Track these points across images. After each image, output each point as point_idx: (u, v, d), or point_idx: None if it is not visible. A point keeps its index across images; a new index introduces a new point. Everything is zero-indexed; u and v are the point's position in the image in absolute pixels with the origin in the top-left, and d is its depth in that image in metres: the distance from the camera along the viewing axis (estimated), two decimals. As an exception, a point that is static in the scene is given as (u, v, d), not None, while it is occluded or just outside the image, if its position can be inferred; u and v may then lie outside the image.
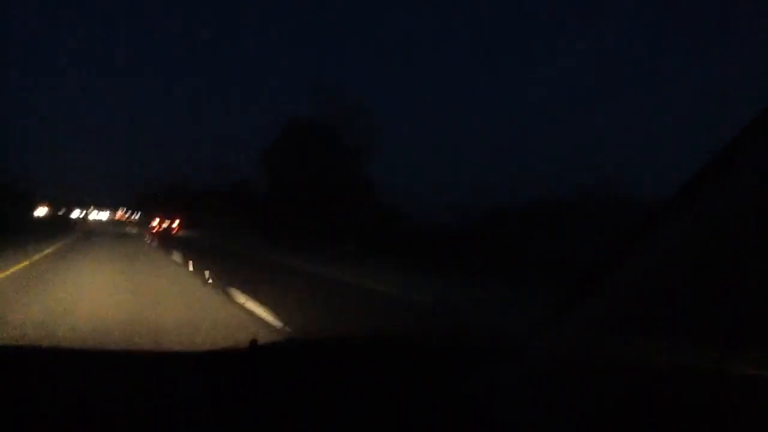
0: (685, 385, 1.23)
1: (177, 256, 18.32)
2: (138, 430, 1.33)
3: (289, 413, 1.44)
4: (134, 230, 50.05)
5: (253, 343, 1.82)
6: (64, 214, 66.57)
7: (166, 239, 32.89)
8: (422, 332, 5.58)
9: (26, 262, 12.98)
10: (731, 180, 1.08)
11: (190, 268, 14.52)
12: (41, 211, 55.96)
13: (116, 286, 9.89)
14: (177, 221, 49.89)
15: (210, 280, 11.48)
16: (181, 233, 46.23)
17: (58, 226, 38.54)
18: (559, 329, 1.37)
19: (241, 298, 9.10)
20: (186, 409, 1.43)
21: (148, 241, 30.04)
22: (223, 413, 1.40)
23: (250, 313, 7.93)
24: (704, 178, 1.11)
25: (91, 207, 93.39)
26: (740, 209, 1.10)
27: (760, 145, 1.04)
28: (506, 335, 1.75)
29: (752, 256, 1.15)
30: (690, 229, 1.13)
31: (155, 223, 52.83)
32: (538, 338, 1.41)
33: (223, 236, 36.88)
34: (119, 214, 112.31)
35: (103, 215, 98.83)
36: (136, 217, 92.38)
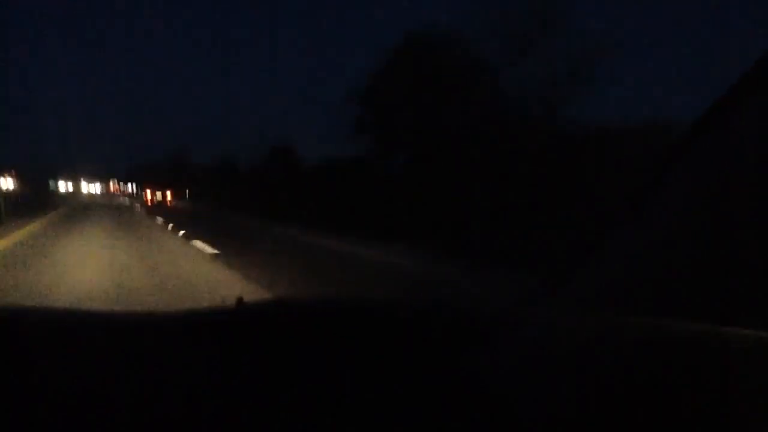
0: (686, 354, 1.18)
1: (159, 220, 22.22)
2: (119, 396, 1.27)
3: (279, 376, 1.39)
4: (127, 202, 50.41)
5: (240, 300, 1.76)
6: (42, 187, 52.30)
7: (156, 209, 34.16)
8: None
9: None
10: (729, 137, 1.05)
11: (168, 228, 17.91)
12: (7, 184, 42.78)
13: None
14: (169, 193, 50.31)
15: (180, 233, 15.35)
16: (174, 204, 46.59)
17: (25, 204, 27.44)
18: (555, 302, 1.35)
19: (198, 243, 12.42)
20: (170, 373, 1.38)
21: (139, 210, 32.72)
22: (209, 376, 1.35)
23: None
24: (701, 133, 1.08)
25: (81, 179, 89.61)
26: (737, 172, 1.05)
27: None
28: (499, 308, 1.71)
29: (748, 228, 1.11)
30: (689, 192, 1.09)
31: (148, 195, 53.14)
32: (534, 311, 1.38)
33: (216, 207, 37.73)
34: (113, 186, 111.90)
35: (96, 188, 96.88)
36: (130, 190, 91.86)
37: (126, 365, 1.41)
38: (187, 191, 53.48)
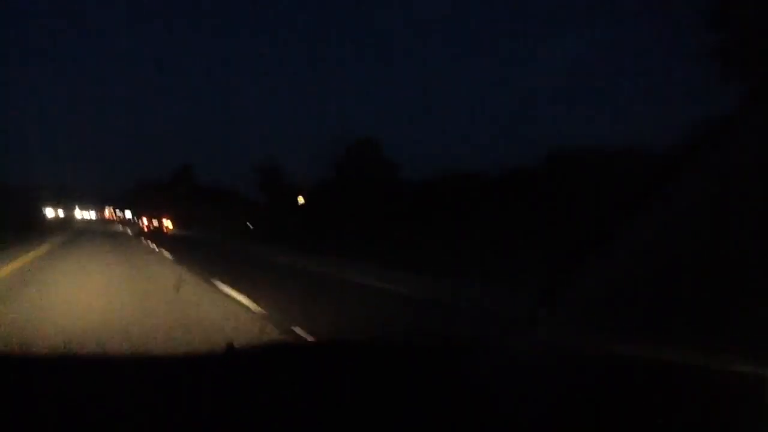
0: (667, 378, 1.22)
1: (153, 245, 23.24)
2: None
3: (267, 418, 1.42)
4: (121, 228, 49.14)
5: (230, 346, 1.79)
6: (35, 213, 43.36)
7: (154, 236, 33.53)
8: (406, 330, 5.55)
9: None
10: (721, 157, 1.07)
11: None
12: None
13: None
14: (168, 220, 49.74)
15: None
16: (173, 232, 46.07)
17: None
18: (545, 319, 1.36)
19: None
20: (161, 414, 1.41)
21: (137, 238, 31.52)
22: (198, 418, 1.38)
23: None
24: (693, 152, 1.11)
25: (75, 206, 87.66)
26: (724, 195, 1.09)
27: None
28: (493, 327, 1.73)
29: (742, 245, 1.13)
30: (674, 216, 1.13)
31: (145, 222, 52.70)
32: (524, 329, 1.40)
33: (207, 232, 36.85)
34: (107, 213, 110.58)
35: (90, 214, 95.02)
36: (127, 216, 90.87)
37: (117, 408, 1.43)
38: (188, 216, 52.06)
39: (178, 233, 44.38)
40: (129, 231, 44.55)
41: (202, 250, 23.59)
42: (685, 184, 1.10)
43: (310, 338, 5.47)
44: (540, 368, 1.39)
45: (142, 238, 32.74)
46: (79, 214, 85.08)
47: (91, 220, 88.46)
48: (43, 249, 18.56)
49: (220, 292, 9.71)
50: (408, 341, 2.13)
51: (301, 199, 40.40)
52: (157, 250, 21.49)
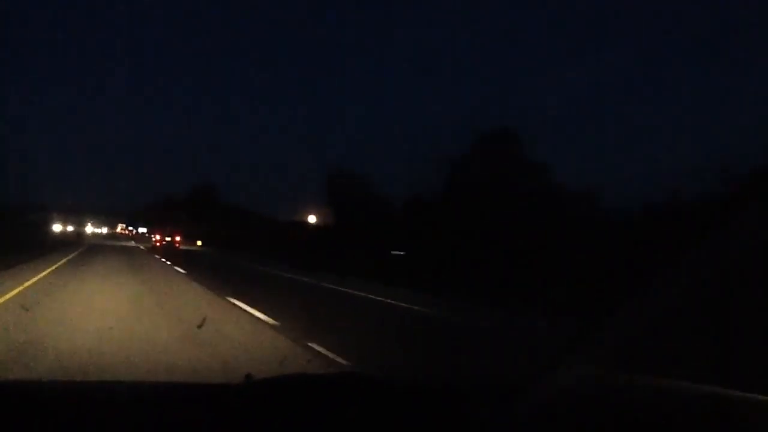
0: (695, 422, 1.18)
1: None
2: None
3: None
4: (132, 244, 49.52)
5: (249, 377, 1.76)
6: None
7: (173, 255, 33.35)
8: (419, 371, 5.48)
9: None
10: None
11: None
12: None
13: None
14: (178, 237, 50.76)
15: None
16: (183, 247, 47.11)
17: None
18: (570, 365, 1.34)
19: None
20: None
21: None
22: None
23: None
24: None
25: (87, 222, 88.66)
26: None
27: None
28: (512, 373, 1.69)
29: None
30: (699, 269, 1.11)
31: (157, 237, 53.62)
32: (550, 375, 1.37)
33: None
34: (119, 228, 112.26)
35: (102, 230, 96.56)
36: (140, 232, 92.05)
37: None
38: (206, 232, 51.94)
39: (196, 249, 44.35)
40: (141, 246, 45.09)
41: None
42: (734, 230, 1.09)
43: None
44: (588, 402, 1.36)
45: (154, 254, 33.24)
46: (90, 229, 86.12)
47: (103, 234, 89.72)
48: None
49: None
50: (437, 380, 2.08)
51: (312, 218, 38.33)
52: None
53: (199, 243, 49.44)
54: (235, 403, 1.65)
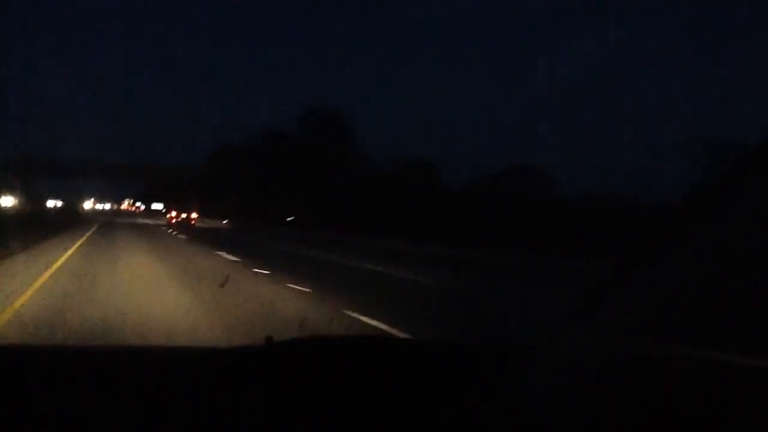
0: (712, 381, 1.17)
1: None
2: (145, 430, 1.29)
3: (306, 413, 1.40)
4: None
5: (269, 340, 1.77)
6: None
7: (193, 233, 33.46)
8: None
9: None
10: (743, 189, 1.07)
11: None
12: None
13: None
14: (195, 214, 50.87)
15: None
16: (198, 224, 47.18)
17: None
18: (584, 325, 1.33)
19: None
20: (197, 409, 1.39)
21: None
22: (234, 414, 1.36)
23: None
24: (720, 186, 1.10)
25: (91, 199, 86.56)
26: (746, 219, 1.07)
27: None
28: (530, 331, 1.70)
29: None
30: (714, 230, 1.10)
31: (173, 214, 53.89)
32: (563, 334, 1.37)
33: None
34: (125, 205, 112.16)
35: (104, 206, 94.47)
36: (155, 207, 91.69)
37: (155, 401, 1.42)
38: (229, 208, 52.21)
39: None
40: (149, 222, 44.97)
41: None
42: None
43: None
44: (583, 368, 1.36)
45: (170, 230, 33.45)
46: (90, 204, 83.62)
47: (104, 211, 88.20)
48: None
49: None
50: (453, 342, 2.09)
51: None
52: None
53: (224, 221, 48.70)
54: (255, 366, 1.66)
